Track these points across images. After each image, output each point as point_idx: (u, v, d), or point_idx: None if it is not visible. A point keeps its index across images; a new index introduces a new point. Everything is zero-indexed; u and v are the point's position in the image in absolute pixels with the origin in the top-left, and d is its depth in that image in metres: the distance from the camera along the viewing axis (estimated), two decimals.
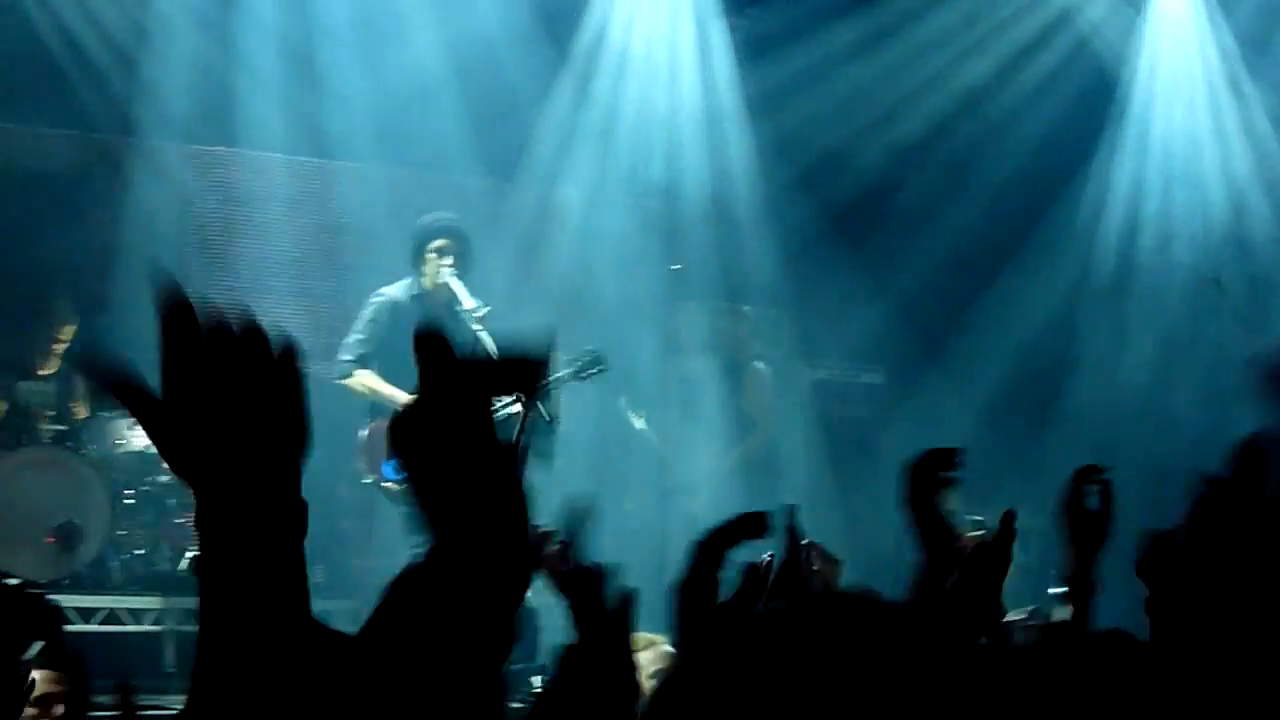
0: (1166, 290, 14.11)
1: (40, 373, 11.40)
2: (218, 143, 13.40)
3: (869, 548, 9.73)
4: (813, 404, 13.14)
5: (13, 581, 9.37)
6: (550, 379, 9.56)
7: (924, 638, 1.98)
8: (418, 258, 10.10)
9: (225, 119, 13.19)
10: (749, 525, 3.37)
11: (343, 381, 10.03)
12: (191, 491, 1.73)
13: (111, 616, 10.27)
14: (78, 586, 10.35)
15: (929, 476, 3.63)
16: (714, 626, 3.39)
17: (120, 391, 1.74)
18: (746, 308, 13.72)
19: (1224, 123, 14.24)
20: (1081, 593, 3.96)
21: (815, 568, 7.19)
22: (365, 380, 9.98)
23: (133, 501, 11.27)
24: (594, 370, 9.97)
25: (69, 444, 11.20)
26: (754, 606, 3.56)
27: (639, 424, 10.44)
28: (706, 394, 12.91)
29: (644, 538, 10.63)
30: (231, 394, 1.74)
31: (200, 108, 13.03)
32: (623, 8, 13.86)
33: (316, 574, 10.28)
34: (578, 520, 3.52)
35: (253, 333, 1.77)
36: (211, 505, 1.73)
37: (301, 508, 1.75)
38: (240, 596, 1.71)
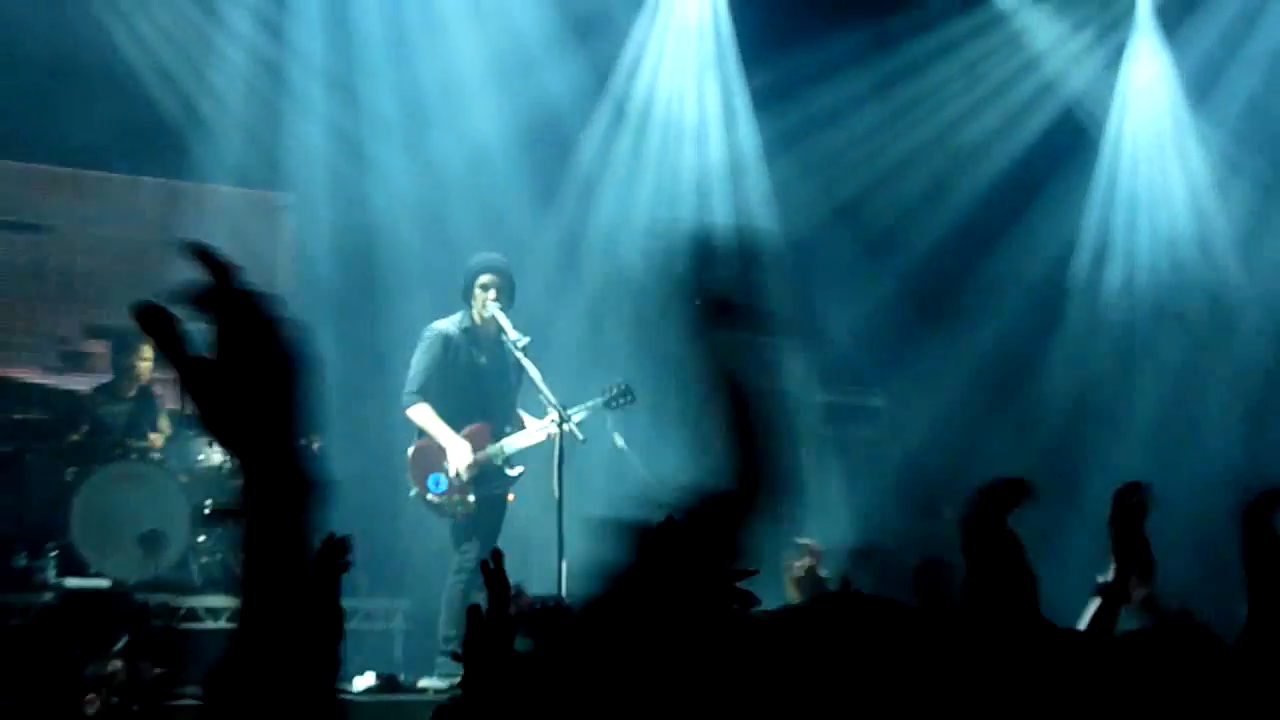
0: (1137, 321, 14.28)
1: (126, 395, 11.56)
2: (271, 188, 13.60)
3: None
4: (823, 423, 13.10)
5: (105, 583, 10.08)
6: (585, 406, 9.94)
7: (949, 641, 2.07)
8: (468, 293, 10.00)
9: (275, 168, 13.35)
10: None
11: (406, 411, 10.02)
12: (229, 452, 1.85)
13: (191, 614, 10.35)
14: (162, 587, 10.36)
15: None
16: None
17: (177, 357, 1.83)
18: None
19: (1183, 174, 14.51)
20: (1116, 598, 4.01)
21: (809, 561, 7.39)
22: (421, 414, 9.91)
23: (210, 511, 11.26)
24: (623, 401, 10.06)
25: (155, 460, 11.31)
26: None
27: (619, 442, 10.39)
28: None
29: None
30: (264, 375, 1.83)
31: (255, 158, 13.16)
32: (647, 80, 14.06)
33: (363, 577, 10.53)
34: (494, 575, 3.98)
35: (281, 334, 1.85)
36: (245, 465, 1.82)
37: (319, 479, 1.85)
38: (268, 531, 1.80)
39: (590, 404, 9.94)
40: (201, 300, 1.80)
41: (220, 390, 1.81)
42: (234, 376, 1.82)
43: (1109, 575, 3.98)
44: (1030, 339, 14.26)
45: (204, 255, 1.79)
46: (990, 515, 3.51)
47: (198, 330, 1.82)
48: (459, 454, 9.81)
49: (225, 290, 1.80)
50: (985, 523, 3.52)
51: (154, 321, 1.79)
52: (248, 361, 1.82)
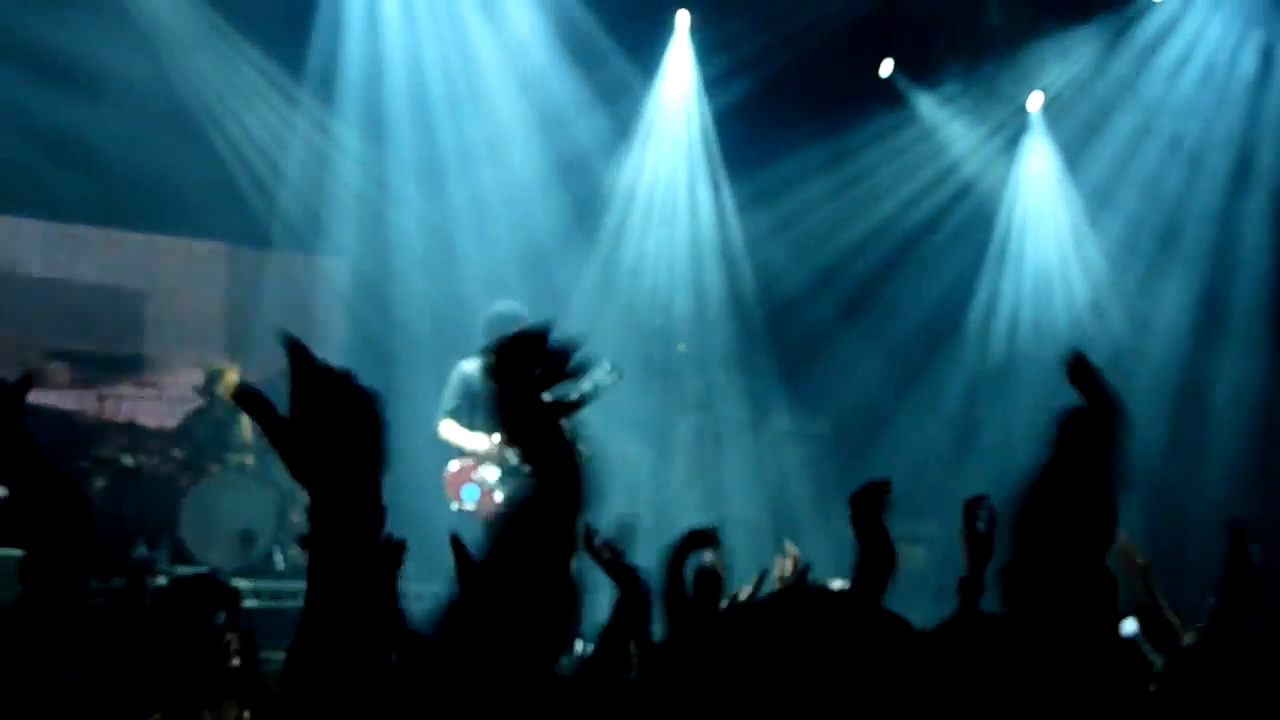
0: (1036, 369, 14.24)
1: (215, 414, 11.88)
2: (328, 253, 13.75)
3: (817, 547, 9.27)
4: (779, 446, 13.58)
5: (205, 569, 10.11)
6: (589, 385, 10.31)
7: (863, 620, 2.05)
8: (489, 333, 9.78)
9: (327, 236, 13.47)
10: (701, 539, 4.04)
11: (438, 430, 10.13)
12: (305, 490, 1.96)
13: (275, 595, 10.51)
14: (252, 574, 10.74)
15: (870, 501, 3.82)
16: (691, 620, 3.90)
17: (260, 416, 1.97)
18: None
19: (1070, 240, 14.82)
20: (971, 591, 4.07)
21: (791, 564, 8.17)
22: (449, 430, 10.08)
23: (294, 516, 11.50)
24: (613, 380, 9.93)
25: (246, 470, 11.64)
26: (714, 603, 4.19)
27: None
28: (699, 441, 13.45)
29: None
30: (334, 423, 1.96)
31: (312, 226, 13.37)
32: (644, 163, 14.29)
33: (412, 566, 10.97)
34: (624, 529, 4.12)
35: (350, 383, 1.98)
36: (318, 501, 1.94)
37: (379, 508, 2.00)
38: (337, 563, 1.91)
39: (588, 389, 10.07)
40: (290, 378, 1.97)
41: (294, 444, 1.95)
42: (304, 435, 1.95)
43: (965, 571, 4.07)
44: (936, 367, 14.63)
45: (290, 345, 1.95)
46: (866, 510, 3.80)
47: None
48: (481, 443, 9.99)
49: (301, 369, 1.96)
50: (864, 516, 3.80)
51: (248, 399, 1.96)
52: (317, 422, 1.95)
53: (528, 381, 2.15)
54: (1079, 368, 3.11)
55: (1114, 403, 2.90)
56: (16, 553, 2.84)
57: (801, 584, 4.76)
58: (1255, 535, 4.25)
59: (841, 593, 3.47)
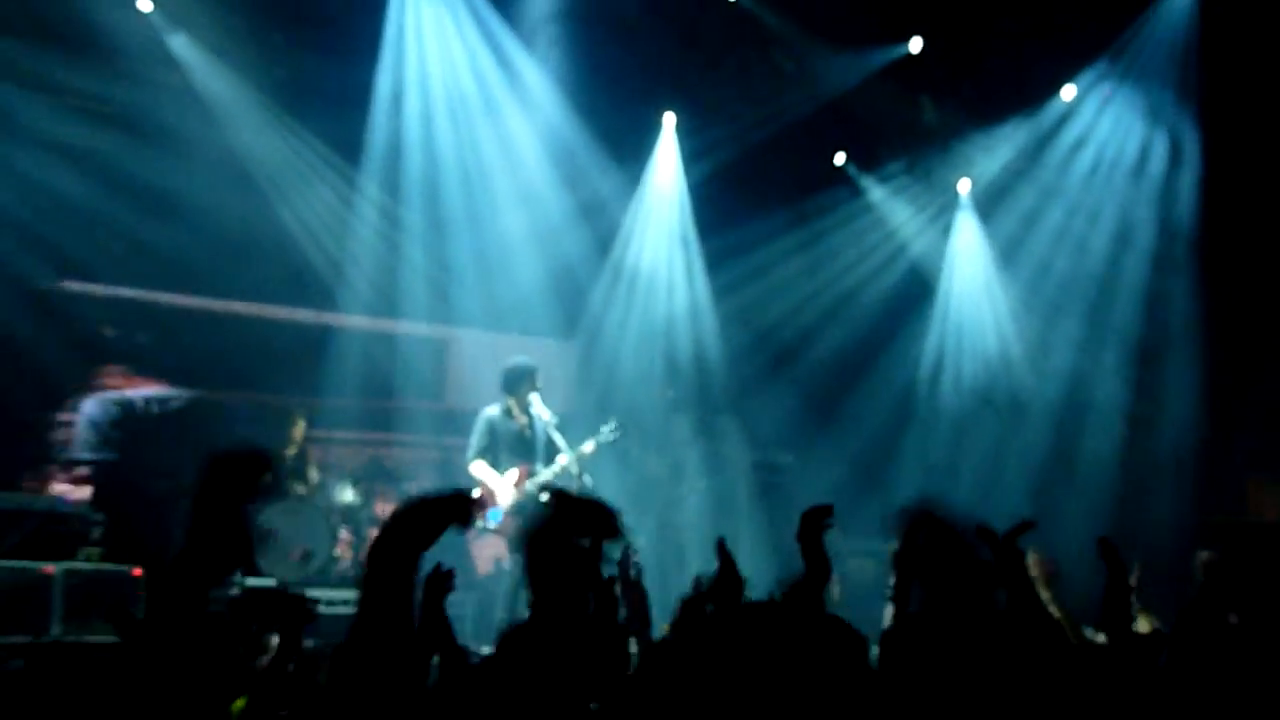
0: (958, 406, 14.64)
1: (286, 453, 11.72)
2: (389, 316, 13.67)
3: (782, 564, 9.98)
4: (752, 474, 13.60)
5: (272, 582, 10.22)
6: (596, 439, 10.15)
7: (799, 629, 2.06)
8: (507, 385, 10.20)
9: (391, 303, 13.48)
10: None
11: (469, 468, 10.16)
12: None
13: (330, 603, 9.95)
14: (310, 584, 10.28)
15: (814, 521, 3.87)
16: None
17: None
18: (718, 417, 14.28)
19: (992, 306, 14.88)
20: (902, 598, 4.05)
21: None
22: (478, 468, 10.08)
23: (344, 534, 11.76)
24: (620, 434, 10.39)
25: (307, 499, 11.51)
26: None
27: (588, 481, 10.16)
28: (689, 466, 13.34)
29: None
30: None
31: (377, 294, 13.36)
32: (638, 237, 14.38)
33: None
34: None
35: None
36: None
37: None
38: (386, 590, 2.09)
39: (599, 437, 10.18)
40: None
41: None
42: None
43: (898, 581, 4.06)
44: (891, 417, 14.60)
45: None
46: (808, 530, 3.86)
47: None
48: (503, 489, 9.96)
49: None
50: (805, 535, 3.85)
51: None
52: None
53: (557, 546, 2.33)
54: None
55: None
56: None
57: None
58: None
59: (784, 600, 3.52)
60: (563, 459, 10.00)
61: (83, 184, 11.61)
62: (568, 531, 2.41)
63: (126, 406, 12.20)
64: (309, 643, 5.13)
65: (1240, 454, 13.20)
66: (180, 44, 11.78)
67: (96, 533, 10.31)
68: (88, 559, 9.69)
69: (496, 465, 10.16)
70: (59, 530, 9.91)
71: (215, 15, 11.55)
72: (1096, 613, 4.27)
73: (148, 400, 12.80)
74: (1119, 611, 3.95)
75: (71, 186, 11.56)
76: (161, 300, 12.96)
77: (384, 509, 12.50)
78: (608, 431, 10.27)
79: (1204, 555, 6.78)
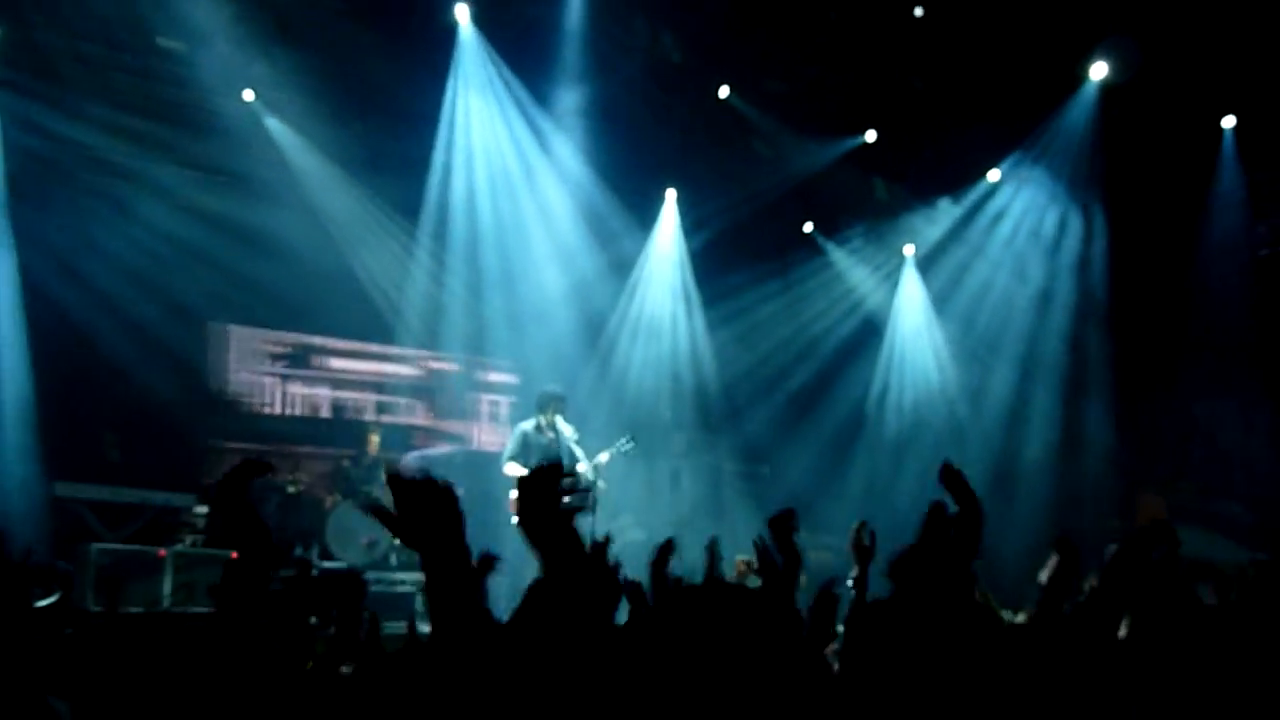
0: (896, 429, 14.58)
1: (363, 463, 11.67)
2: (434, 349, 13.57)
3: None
4: (735, 481, 13.61)
5: (344, 565, 10.23)
6: (610, 451, 10.13)
7: (775, 616, 1.85)
8: (540, 406, 10.24)
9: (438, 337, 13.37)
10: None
11: (504, 469, 10.14)
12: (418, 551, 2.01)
13: (390, 583, 10.36)
14: (375, 567, 10.46)
15: (783, 523, 3.59)
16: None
17: (377, 513, 2.05)
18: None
19: (931, 347, 14.78)
20: (862, 585, 4.01)
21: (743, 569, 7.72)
22: (512, 468, 10.02)
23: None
24: (631, 445, 10.34)
25: (376, 496, 11.05)
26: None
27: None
28: (684, 475, 13.51)
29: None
30: (424, 511, 1.98)
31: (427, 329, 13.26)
32: (645, 288, 14.32)
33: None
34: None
35: (431, 484, 1.98)
36: (427, 558, 1.99)
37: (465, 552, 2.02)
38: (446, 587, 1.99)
39: (613, 449, 10.13)
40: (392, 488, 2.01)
41: (401, 527, 2.00)
42: (407, 525, 1.99)
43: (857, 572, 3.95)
44: (846, 435, 14.46)
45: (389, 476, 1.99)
46: (781, 529, 3.59)
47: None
48: None
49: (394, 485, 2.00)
50: (779, 532, 3.59)
51: (370, 508, 2.04)
52: (414, 518, 1.98)
53: (547, 500, 2.19)
54: (950, 475, 3.16)
55: (976, 505, 2.94)
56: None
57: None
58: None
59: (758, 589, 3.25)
60: (581, 466, 9.93)
61: (199, 236, 11.69)
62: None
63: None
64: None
65: (1129, 470, 13.13)
66: (275, 125, 11.80)
67: (201, 523, 10.31)
68: (193, 544, 9.68)
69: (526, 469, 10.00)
70: (171, 520, 9.98)
71: (303, 103, 11.52)
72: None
73: None
74: (1056, 597, 3.64)
75: (191, 238, 11.65)
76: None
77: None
78: (622, 444, 10.23)
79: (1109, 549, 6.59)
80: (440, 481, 2.02)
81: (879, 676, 2.65)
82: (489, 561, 3.38)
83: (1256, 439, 12.16)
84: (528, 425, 10.28)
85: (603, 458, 10.02)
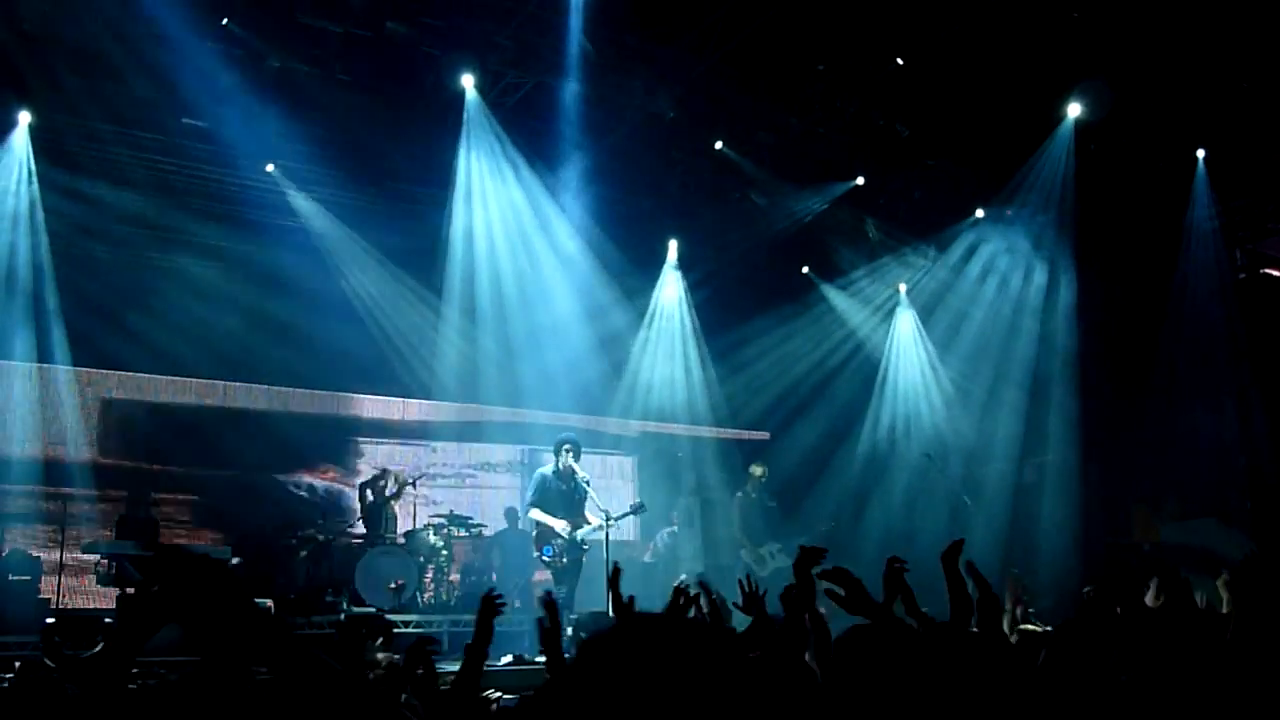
0: (902, 456, 14.55)
1: (393, 506, 11.83)
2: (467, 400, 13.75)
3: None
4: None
5: (372, 610, 10.04)
6: (624, 513, 10.21)
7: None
8: (556, 451, 10.19)
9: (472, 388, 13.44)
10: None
11: (529, 513, 10.19)
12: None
13: (419, 625, 10.38)
14: (402, 611, 10.46)
15: (807, 559, 3.56)
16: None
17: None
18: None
19: (928, 380, 14.93)
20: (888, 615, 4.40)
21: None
22: (537, 513, 10.04)
23: (429, 572, 11.67)
24: (640, 510, 10.42)
25: (399, 544, 11.47)
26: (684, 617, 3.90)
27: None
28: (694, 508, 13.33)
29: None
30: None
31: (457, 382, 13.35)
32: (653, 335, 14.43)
33: (513, 600, 10.48)
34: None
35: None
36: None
37: None
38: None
39: (624, 513, 10.20)
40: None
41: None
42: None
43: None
44: (844, 454, 14.63)
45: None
46: (804, 568, 3.58)
47: None
48: (558, 526, 9.89)
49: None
50: (801, 571, 3.57)
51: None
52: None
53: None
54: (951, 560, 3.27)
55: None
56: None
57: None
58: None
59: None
60: (594, 520, 10.05)
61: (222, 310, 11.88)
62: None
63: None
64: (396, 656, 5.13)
65: (1126, 487, 13.09)
66: (296, 197, 11.95)
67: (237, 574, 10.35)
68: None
69: (547, 512, 10.13)
70: None
71: (321, 174, 11.74)
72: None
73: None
74: (989, 615, 3.65)
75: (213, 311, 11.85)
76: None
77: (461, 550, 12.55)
78: (630, 510, 10.38)
79: (1088, 590, 6.63)
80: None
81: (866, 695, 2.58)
82: (494, 601, 3.80)
83: (1239, 448, 12.28)
84: (546, 470, 10.29)
85: (613, 518, 10.07)
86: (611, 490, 13.49)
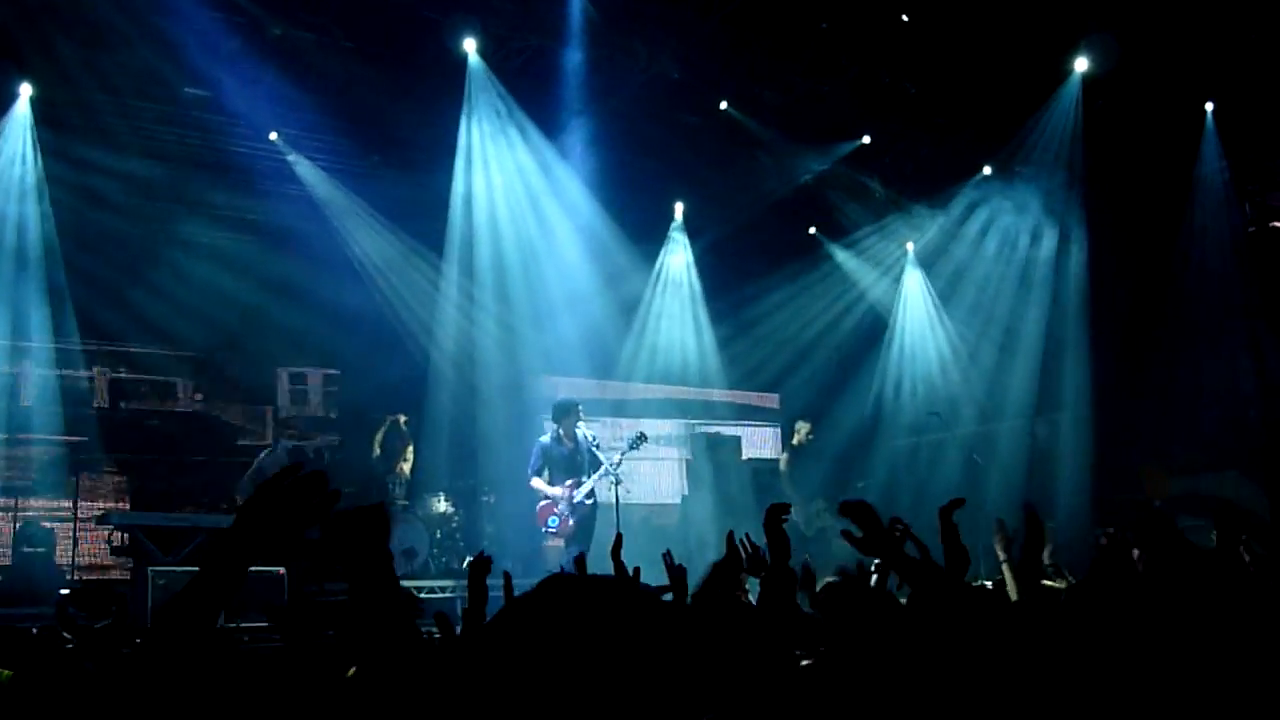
0: (911, 415, 14.62)
1: (397, 471, 11.95)
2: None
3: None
4: (752, 477, 13.20)
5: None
6: (622, 451, 10.30)
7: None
8: (556, 417, 10.37)
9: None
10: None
11: (530, 483, 10.36)
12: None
13: (429, 590, 10.37)
14: (414, 577, 10.48)
15: (774, 515, 3.44)
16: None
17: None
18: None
19: (939, 338, 14.82)
20: (884, 573, 3.92)
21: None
22: (536, 483, 10.27)
23: (439, 536, 11.66)
24: (641, 442, 10.52)
25: (409, 507, 11.55)
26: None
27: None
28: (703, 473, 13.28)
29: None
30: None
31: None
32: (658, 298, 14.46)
33: (518, 567, 9.95)
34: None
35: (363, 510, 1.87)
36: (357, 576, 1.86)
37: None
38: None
39: (624, 449, 10.28)
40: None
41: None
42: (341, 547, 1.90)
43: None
44: (861, 421, 14.63)
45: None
46: (773, 520, 3.46)
47: None
48: (559, 494, 10.06)
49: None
50: (771, 523, 3.46)
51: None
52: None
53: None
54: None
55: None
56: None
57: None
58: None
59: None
60: (605, 473, 10.11)
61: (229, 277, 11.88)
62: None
63: (297, 454, 12.05)
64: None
65: (1136, 446, 13.03)
66: (299, 163, 11.90)
67: None
68: None
69: (550, 481, 10.23)
70: None
71: (323, 141, 11.70)
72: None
73: (317, 449, 12.85)
74: (1028, 566, 3.71)
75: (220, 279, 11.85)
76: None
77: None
78: (630, 443, 10.37)
79: (1101, 531, 6.66)
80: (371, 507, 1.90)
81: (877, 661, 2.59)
82: (484, 563, 3.79)
83: (1252, 401, 12.31)
84: (545, 439, 10.39)
85: (615, 458, 10.11)
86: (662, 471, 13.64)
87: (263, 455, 11.73)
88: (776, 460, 13.40)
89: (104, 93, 10.25)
